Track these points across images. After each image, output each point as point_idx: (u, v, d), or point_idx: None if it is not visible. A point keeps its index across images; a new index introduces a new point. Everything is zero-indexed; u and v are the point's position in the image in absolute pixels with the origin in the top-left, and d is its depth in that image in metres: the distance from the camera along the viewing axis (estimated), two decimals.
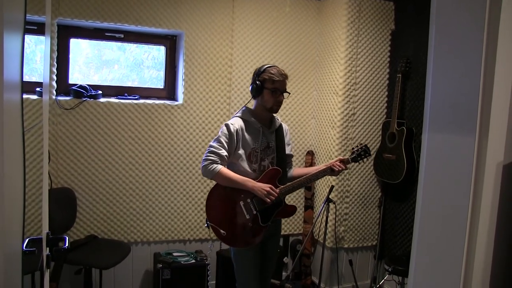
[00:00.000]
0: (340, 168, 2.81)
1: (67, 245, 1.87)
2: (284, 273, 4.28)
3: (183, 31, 3.83)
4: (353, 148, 2.94)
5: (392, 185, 3.95)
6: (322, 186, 4.26)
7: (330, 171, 2.81)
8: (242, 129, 2.76)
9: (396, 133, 3.77)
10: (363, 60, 4.02)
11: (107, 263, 3.28)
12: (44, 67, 1.71)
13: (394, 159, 3.77)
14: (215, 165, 2.63)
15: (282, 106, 4.09)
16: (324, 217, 3.84)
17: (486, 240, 1.82)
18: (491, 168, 1.77)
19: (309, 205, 4.36)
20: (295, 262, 4.07)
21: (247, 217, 2.71)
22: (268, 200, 2.64)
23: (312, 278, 4.34)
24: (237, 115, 2.85)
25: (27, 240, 1.77)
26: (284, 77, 2.76)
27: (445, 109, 1.93)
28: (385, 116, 4.18)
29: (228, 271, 3.57)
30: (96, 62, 3.99)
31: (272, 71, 2.73)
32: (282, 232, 4.31)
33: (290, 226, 4.41)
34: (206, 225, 2.77)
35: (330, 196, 3.72)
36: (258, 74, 2.77)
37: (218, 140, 2.70)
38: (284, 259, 4.30)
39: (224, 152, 2.67)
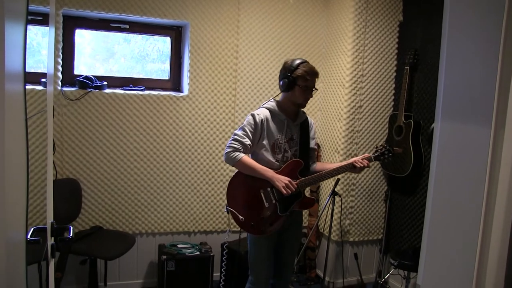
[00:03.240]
0: (362, 165, 2.80)
1: (71, 234, 1.86)
2: None
3: (189, 22, 3.80)
4: (377, 147, 2.94)
5: (398, 179, 3.91)
6: (327, 180, 4.21)
7: (352, 167, 2.81)
8: (267, 119, 2.78)
9: (403, 126, 3.73)
10: (370, 52, 3.97)
11: (112, 254, 3.29)
12: (48, 58, 1.70)
13: (401, 152, 3.73)
14: (237, 153, 2.68)
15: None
16: (330, 210, 3.82)
17: (501, 237, 1.77)
18: (507, 160, 1.72)
19: (314, 198, 4.32)
20: (299, 255, 4.05)
21: (266, 205, 2.74)
22: (285, 192, 2.66)
23: (316, 272, 4.33)
24: (264, 105, 2.86)
25: (32, 229, 1.76)
26: (316, 75, 2.77)
27: (458, 98, 1.86)
28: (392, 108, 4.14)
29: (232, 263, 3.58)
30: (102, 54, 3.97)
31: (305, 69, 2.73)
32: None
33: None
34: (225, 210, 2.81)
35: (335, 189, 3.71)
36: (291, 70, 2.75)
37: (243, 129, 2.74)
38: None
39: (247, 141, 2.71)
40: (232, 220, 2.82)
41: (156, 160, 3.83)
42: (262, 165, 2.73)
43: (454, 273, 1.90)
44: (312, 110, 4.32)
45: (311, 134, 2.99)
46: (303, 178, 2.77)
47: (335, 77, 4.11)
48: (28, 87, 3.36)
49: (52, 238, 1.74)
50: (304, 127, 2.92)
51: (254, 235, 2.84)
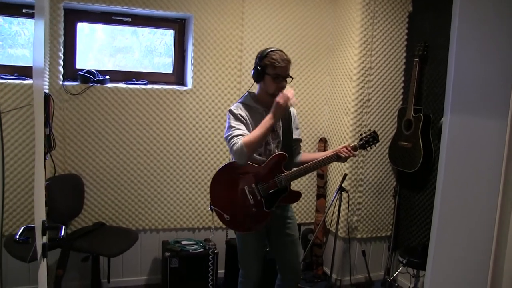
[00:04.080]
0: (347, 155, 2.73)
1: (62, 234, 1.80)
2: None
3: (192, 14, 3.73)
4: (361, 134, 2.85)
5: (407, 174, 3.81)
6: (335, 175, 4.14)
7: (337, 157, 2.73)
8: (246, 114, 2.70)
9: (413, 120, 3.63)
10: (379, 44, 3.87)
11: (114, 251, 3.25)
12: (34, 51, 1.64)
13: (410, 147, 3.64)
14: (237, 144, 2.55)
15: (294, 92, 4.02)
16: (337, 206, 3.74)
17: None
18: None
19: (321, 194, 4.25)
20: (306, 252, 3.98)
21: (251, 202, 2.67)
22: (289, 99, 2.62)
23: (323, 269, 4.25)
24: (238, 101, 2.79)
25: (22, 228, 1.71)
26: (287, 62, 2.66)
27: (470, 89, 1.76)
28: (401, 102, 4.03)
29: (237, 260, 3.51)
30: (110, 49, 3.93)
31: (274, 56, 2.64)
32: None
33: (301, 215, 4.31)
34: (210, 208, 2.75)
35: (343, 185, 3.63)
36: (260, 58, 2.69)
37: (230, 126, 2.65)
38: None
39: (240, 131, 2.61)
40: (217, 218, 2.75)
41: (160, 155, 3.77)
42: (246, 161, 2.63)
43: (465, 276, 1.81)
44: (319, 103, 4.23)
45: (294, 124, 2.89)
46: (288, 172, 2.68)
47: (342, 70, 4.01)
48: (27, 81, 3.32)
49: (44, 237, 1.68)
50: (286, 117, 2.82)
51: (240, 233, 2.80)
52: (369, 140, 2.80)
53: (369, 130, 2.85)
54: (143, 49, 4.01)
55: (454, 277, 1.85)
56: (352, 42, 3.86)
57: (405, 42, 3.97)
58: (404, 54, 3.98)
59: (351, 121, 3.88)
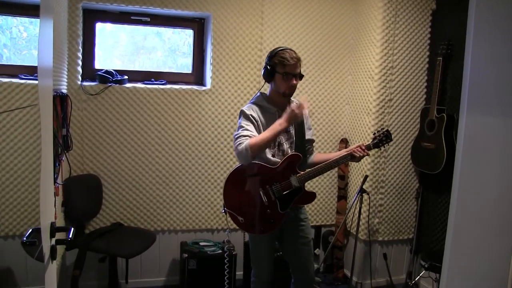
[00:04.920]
0: (361, 154, 2.68)
1: (70, 236, 1.78)
2: (315, 265, 4.14)
3: (211, 13, 3.69)
4: (374, 133, 2.80)
5: (430, 176, 3.72)
6: (356, 176, 4.06)
7: (351, 157, 2.69)
8: (258, 114, 2.68)
9: (436, 120, 3.54)
10: (401, 42, 3.78)
11: (131, 252, 3.23)
12: (39, 49, 1.61)
13: (433, 148, 3.55)
14: (242, 143, 2.52)
15: (315, 92, 3.98)
16: (358, 208, 3.67)
17: None
18: None
19: (342, 195, 4.18)
20: (326, 254, 3.93)
21: (266, 204, 2.63)
22: (301, 111, 2.56)
23: (344, 271, 4.18)
24: (251, 101, 2.77)
25: (30, 230, 1.69)
26: (296, 60, 2.62)
27: (486, 88, 1.70)
28: (424, 102, 3.94)
29: None
30: (132, 49, 3.94)
31: (283, 55, 2.61)
32: (314, 223, 4.18)
33: (322, 217, 4.24)
34: (223, 211, 2.72)
35: (364, 187, 3.58)
36: (270, 57, 2.67)
37: (240, 126, 2.63)
38: (315, 251, 4.15)
39: (249, 132, 2.58)
40: (231, 220, 2.72)
41: (178, 155, 3.75)
42: (258, 161, 2.62)
43: (482, 279, 1.74)
44: (340, 103, 4.15)
45: (307, 125, 2.85)
46: (302, 172, 2.65)
47: (363, 69, 3.93)
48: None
49: (53, 239, 1.65)
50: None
51: (254, 235, 2.78)
52: (382, 139, 2.75)
53: (382, 128, 2.81)
54: (166, 49, 3.99)
55: (470, 281, 1.79)
56: (374, 41, 3.78)
57: (428, 41, 3.87)
58: (427, 53, 3.89)
59: (373, 121, 3.80)
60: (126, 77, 3.61)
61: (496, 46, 1.68)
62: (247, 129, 2.58)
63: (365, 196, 3.72)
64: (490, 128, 1.71)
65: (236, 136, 2.58)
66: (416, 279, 3.85)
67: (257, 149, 2.54)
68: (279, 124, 2.56)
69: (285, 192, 2.63)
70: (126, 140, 3.61)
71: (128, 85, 3.58)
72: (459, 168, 1.84)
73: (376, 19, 3.74)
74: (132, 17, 3.70)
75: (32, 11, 3.36)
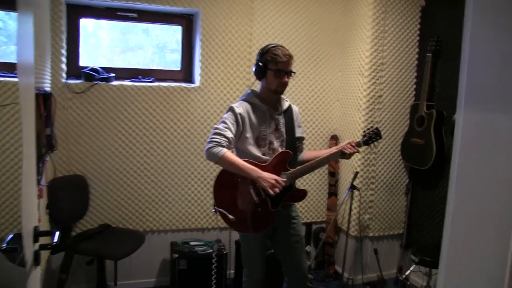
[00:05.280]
0: (351, 151, 2.68)
1: (56, 240, 1.71)
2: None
3: (199, 10, 3.62)
4: (364, 131, 2.81)
5: (420, 171, 3.73)
6: (346, 172, 4.06)
7: (341, 154, 2.69)
8: (248, 112, 2.64)
9: (425, 116, 3.55)
10: (391, 39, 3.77)
11: (119, 254, 3.16)
12: (18, 47, 1.53)
13: (423, 143, 3.56)
14: (220, 148, 2.50)
15: (305, 89, 3.95)
16: (348, 205, 3.66)
17: None
18: None
19: (332, 192, 4.16)
20: (317, 250, 3.92)
21: (256, 202, 2.62)
22: (272, 192, 2.50)
23: (335, 268, 4.18)
24: (242, 98, 2.74)
25: (11, 235, 1.61)
26: (288, 57, 2.61)
27: (484, 84, 1.68)
28: (413, 98, 3.94)
29: None
30: (119, 47, 3.85)
31: (275, 52, 2.59)
32: (305, 220, 4.16)
33: (313, 213, 4.23)
34: (213, 210, 2.68)
35: (354, 183, 3.58)
36: (262, 54, 2.65)
37: (223, 122, 2.59)
38: (306, 248, 4.13)
39: (230, 134, 2.55)
40: (222, 219, 2.69)
41: (167, 154, 3.68)
42: (249, 159, 2.59)
43: (481, 276, 1.73)
44: (330, 100, 4.13)
45: (297, 122, 2.84)
46: (292, 170, 2.64)
47: (354, 66, 3.92)
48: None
49: (36, 244, 1.58)
50: (288, 115, 2.78)
51: (245, 234, 2.76)
52: (372, 137, 2.76)
53: (372, 126, 2.82)
54: (154, 46, 3.91)
55: (469, 277, 1.78)
56: (364, 37, 3.77)
57: (418, 37, 3.88)
58: (417, 50, 3.89)
59: (363, 117, 3.79)
60: (112, 74, 3.52)
61: (495, 40, 1.65)
62: (231, 131, 2.55)
63: (356, 193, 3.73)
64: (488, 125, 1.69)
65: (218, 132, 2.54)
66: (406, 273, 3.86)
67: (225, 165, 2.55)
68: (255, 174, 2.51)
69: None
70: (113, 139, 3.53)
71: (114, 83, 3.49)
72: (456, 165, 1.83)
73: (366, 16, 3.72)
74: (118, 13, 3.61)
75: (10, 5, 3.24)
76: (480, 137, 1.72)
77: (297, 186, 2.76)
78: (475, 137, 1.74)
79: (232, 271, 3.80)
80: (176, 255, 3.44)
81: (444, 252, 1.89)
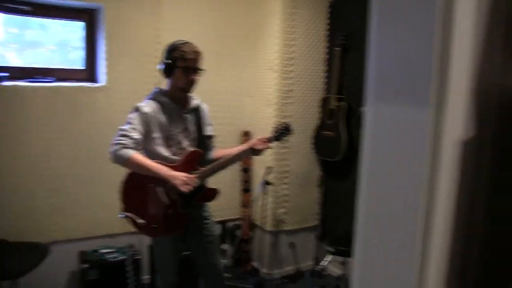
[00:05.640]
0: (262, 147, 2.69)
1: None
2: (223, 261, 4.09)
3: (102, 4, 3.43)
4: (275, 126, 2.84)
5: (332, 163, 3.83)
6: (259, 168, 4.06)
7: (252, 151, 2.69)
8: (155, 111, 2.55)
9: (335, 110, 3.63)
10: (302, 34, 3.82)
11: (16, 271, 2.86)
12: None
13: (334, 136, 3.65)
14: (126, 150, 2.40)
15: (215, 85, 3.88)
16: (263, 200, 3.68)
17: (444, 229, 1.67)
18: (449, 145, 1.61)
19: (246, 188, 4.16)
20: (234, 248, 3.90)
21: (167, 203, 2.55)
22: (185, 190, 2.46)
23: (253, 264, 4.18)
24: (148, 97, 2.64)
25: None
26: (197, 54, 2.57)
27: (391, 76, 1.73)
28: (324, 92, 4.01)
29: None
30: (17, 43, 3.54)
31: (183, 49, 2.53)
32: (219, 218, 4.09)
33: (227, 211, 4.18)
34: (121, 215, 2.58)
35: (268, 178, 3.59)
36: (169, 51, 2.57)
37: (129, 123, 2.49)
38: (223, 246, 4.10)
39: (137, 135, 2.46)
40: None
41: (70, 158, 3.45)
42: (158, 160, 2.52)
43: (393, 267, 1.79)
44: (241, 96, 4.10)
45: (207, 120, 2.82)
46: (203, 169, 2.60)
47: (263, 61, 3.93)
48: None
49: None
50: (197, 114, 2.73)
51: (157, 238, 2.70)
52: (282, 132, 2.78)
53: (282, 122, 2.85)
54: (55, 43, 3.64)
55: (381, 264, 1.84)
56: (273, 32, 3.78)
57: (327, 32, 3.95)
58: (327, 44, 3.96)
59: (274, 112, 3.82)
60: (6, 74, 3.24)
61: (399, 34, 1.69)
62: (136, 134, 2.46)
63: (270, 188, 3.74)
64: (395, 118, 1.73)
65: (122, 134, 2.44)
66: (323, 264, 3.95)
67: (133, 167, 2.47)
68: (166, 173, 2.45)
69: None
70: (6, 144, 3.23)
71: (7, 83, 3.20)
72: (364, 157, 1.87)
73: (275, 11, 3.74)
74: (9, 5, 3.30)
75: None
76: (387, 129, 1.76)
77: (209, 185, 2.72)
78: (382, 130, 1.78)
79: (147, 276, 3.67)
80: (86, 265, 3.26)
81: (357, 242, 1.93)
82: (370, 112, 1.84)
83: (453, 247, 1.76)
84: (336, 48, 3.65)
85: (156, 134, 2.55)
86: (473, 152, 1.78)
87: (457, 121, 1.68)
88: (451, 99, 1.61)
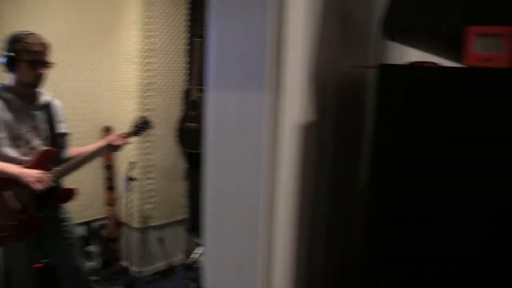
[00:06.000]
0: (119, 143, 2.65)
1: None
2: (90, 263, 3.89)
3: None
4: (134, 122, 2.80)
5: (197, 155, 3.82)
6: (123, 164, 3.92)
7: (109, 147, 2.63)
8: (0, 109, 2.36)
9: (198, 101, 3.64)
10: (162, 25, 3.73)
11: None
12: None
13: (197, 127, 3.65)
14: None
15: (69, 80, 3.65)
16: (128, 197, 3.57)
17: (286, 207, 1.75)
18: (288, 129, 1.68)
19: (110, 186, 3.99)
20: (101, 249, 3.74)
21: (18, 208, 2.38)
22: (39, 187, 2.33)
23: (121, 263, 4.04)
24: None
25: None
26: (44, 46, 2.41)
27: (229, 64, 1.76)
28: (186, 83, 3.99)
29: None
30: None
31: (27, 40, 2.36)
32: (82, 220, 3.88)
33: (90, 211, 3.96)
34: None
35: (131, 174, 3.50)
36: (11, 43, 2.37)
37: None
38: (88, 248, 3.90)
39: None
40: None
41: None
42: (5, 162, 2.35)
43: (239, 254, 1.85)
44: (100, 90, 3.89)
45: (58, 117, 2.66)
46: (57, 169, 2.48)
47: (122, 53, 3.80)
48: None
49: None
50: (49, 111, 2.58)
51: (9, 247, 2.50)
52: (141, 127, 2.76)
53: (142, 116, 2.83)
54: None
55: (229, 250, 1.89)
56: (130, 23, 3.67)
57: (189, 23, 3.92)
58: (188, 35, 3.93)
59: (134, 105, 3.71)
60: None
61: (238, 24, 1.73)
62: None
63: (134, 183, 3.64)
64: (234, 104, 1.77)
65: None
66: (194, 256, 3.95)
67: None
68: (17, 171, 2.32)
69: (38, 192, 2.39)
70: None
71: None
72: (207, 144, 1.91)
73: (133, 2, 3.61)
74: None
75: None
76: (228, 116, 1.79)
77: (65, 185, 2.59)
78: (223, 116, 1.81)
79: None
80: None
81: (206, 230, 1.96)
82: (212, 98, 1.86)
83: (299, 223, 1.86)
84: (197, 39, 3.64)
85: (2, 134, 2.36)
86: (314, 134, 1.88)
87: (295, 105, 1.76)
88: (288, 85, 1.69)
